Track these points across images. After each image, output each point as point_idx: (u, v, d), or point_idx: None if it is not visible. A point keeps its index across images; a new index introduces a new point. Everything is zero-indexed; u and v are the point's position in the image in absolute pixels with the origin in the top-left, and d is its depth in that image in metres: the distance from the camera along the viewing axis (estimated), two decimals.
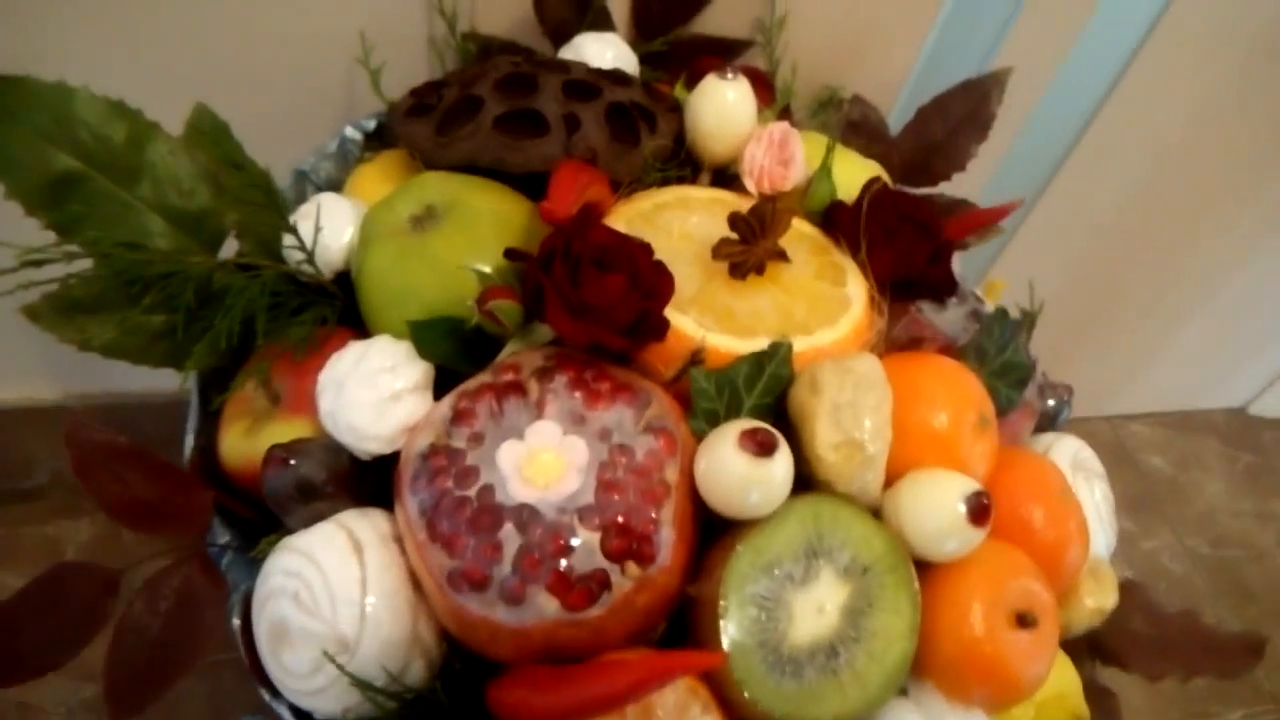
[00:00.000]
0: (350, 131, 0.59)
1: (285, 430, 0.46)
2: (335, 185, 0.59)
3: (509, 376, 0.42)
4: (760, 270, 0.49)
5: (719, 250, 0.47)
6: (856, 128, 0.71)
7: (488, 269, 0.45)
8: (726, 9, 0.65)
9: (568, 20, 0.62)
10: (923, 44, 0.72)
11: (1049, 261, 0.96)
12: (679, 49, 0.65)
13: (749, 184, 0.54)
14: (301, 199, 0.58)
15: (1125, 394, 1.24)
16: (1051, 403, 0.62)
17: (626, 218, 0.50)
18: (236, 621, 0.44)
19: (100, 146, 0.47)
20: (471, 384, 0.42)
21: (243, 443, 0.47)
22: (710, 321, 0.46)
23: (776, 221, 0.48)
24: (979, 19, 0.71)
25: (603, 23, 0.63)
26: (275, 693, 0.42)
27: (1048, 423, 0.62)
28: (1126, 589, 0.53)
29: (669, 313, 0.44)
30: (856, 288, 0.50)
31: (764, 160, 0.53)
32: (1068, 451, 0.56)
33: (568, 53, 0.60)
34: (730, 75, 0.54)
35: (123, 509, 0.44)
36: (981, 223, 0.61)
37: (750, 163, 0.54)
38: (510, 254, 0.43)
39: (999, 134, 0.68)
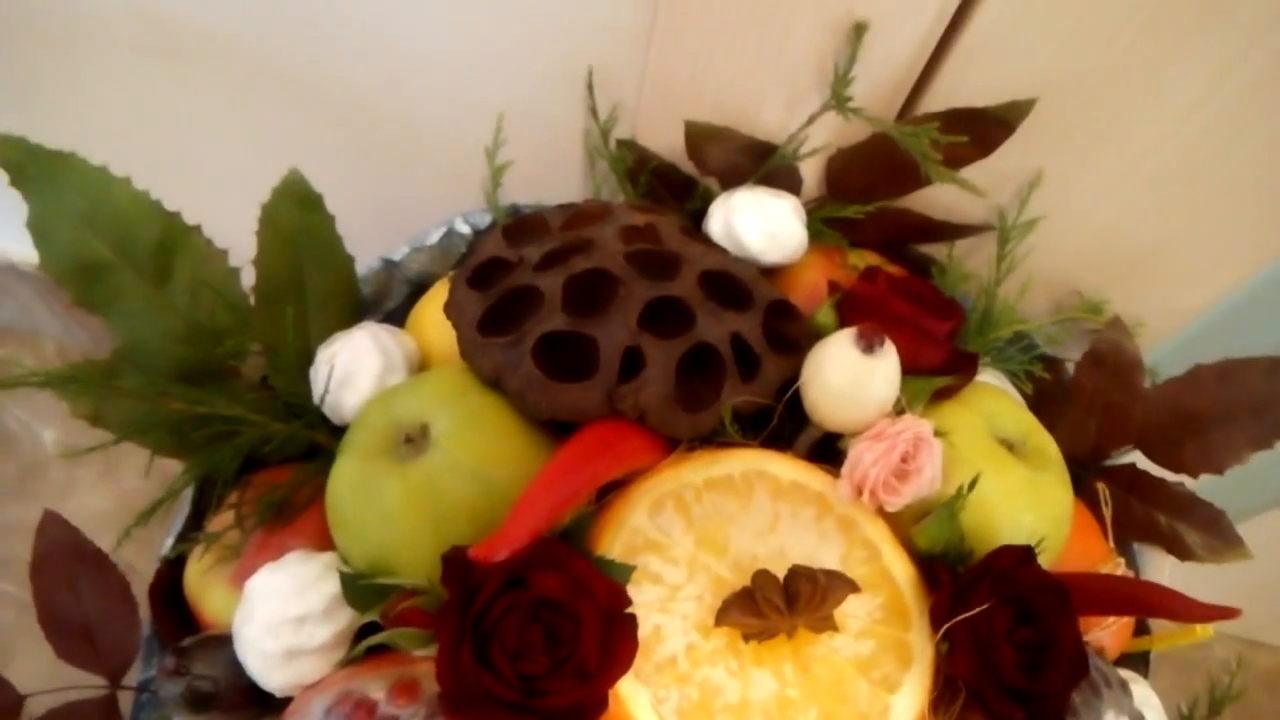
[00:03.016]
0: (460, 224, 0.52)
1: (224, 601, 0.43)
2: (428, 282, 0.52)
3: (394, 708, 0.35)
4: (790, 633, 0.38)
5: (724, 614, 0.37)
6: (1100, 361, 0.54)
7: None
8: (956, 191, 0.49)
9: (739, 165, 0.49)
10: (1237, 285, 0.52)
11: None
12: (882, 219, 0.51)
13: (844, 488, 0.41)
14: (384, 292, 0.52)
15: None
16: None
17: (655, 497, 0.40)
18: None
19: (130, 242, 0.43)
20: (359, 686, 0.36)
21: (196, 581, 0.45)
22: (671, 707, 0.36)
23: (818, 600, 0.37)
24: None
25: (784, 178, 0.49)
26: None
27: None
28: None
29: (624, 680, 0.35)
30: (908, 699, 0.38)
31: (873, 469, 0.40)
32: None
33: (719, 209, 0.48)
34: (876, 347, 0.40)
35: (59, 624, 0.44)
36: (1182, 615, 0.43)
37: (854, 466, 0.41)
38: (448, 559, 0.35)
39: None
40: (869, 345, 0.40)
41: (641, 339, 0.40)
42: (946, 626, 0.38)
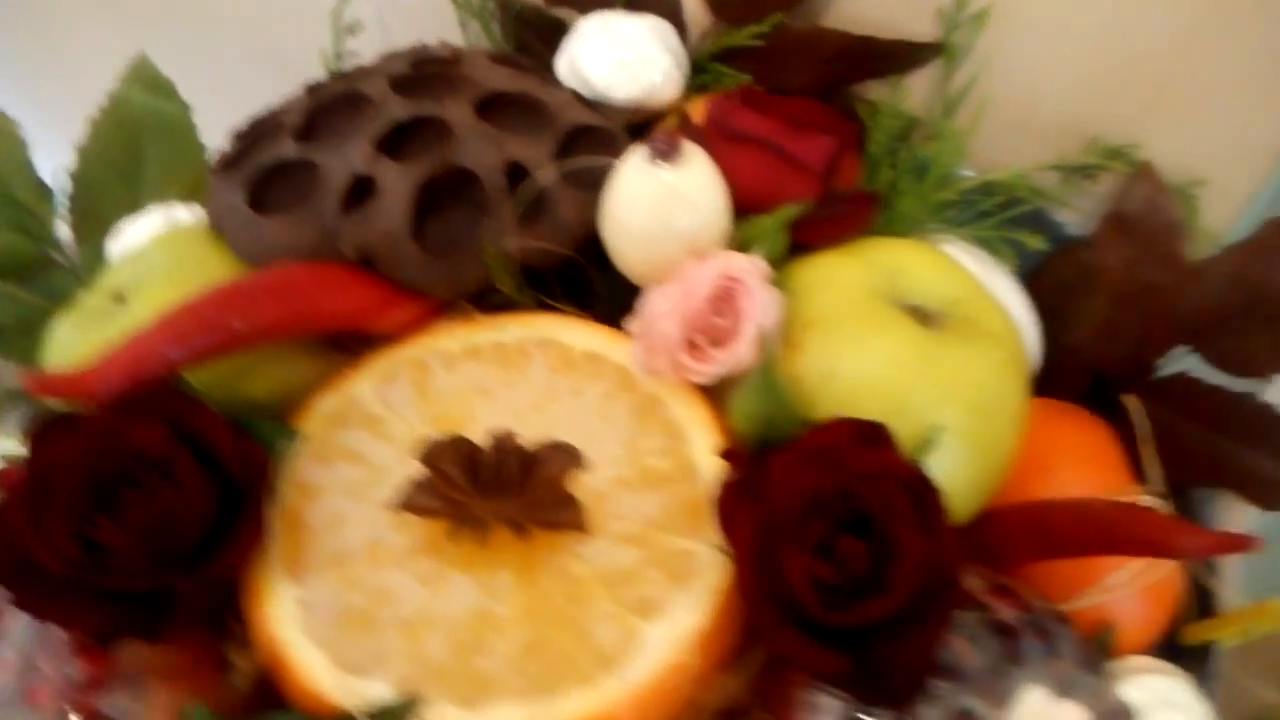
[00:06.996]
0: None
1: None
2: None
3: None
4: (520, 531, 0.28)
5: (406, 497, 0.27)
6: (1125, 227, 0.39)
7: None
8: None
9: None
10: None
11: None
12: (794, 46, 0.39)
13: (637, 354, 0.30)
14: None
15: None
16: None
17: (390, 365, 0.31)
18: None
19: None
20: None
21: None
22: (322, 616, 0.27)
23: (514, 476, 0.26)
24: None
25: (658, 3, 0.39)
26: None
27: None
28: None
29: (266, 575, 0.27)
30: (669, 628, 0.26)
31: (667, 322, 0.29)
32: None
33: (567, 44, 0.39)
34: (669, 156, 0.30)
35: None
36: (1169, 548, 0.28)
37: (647, 323, 0.30)
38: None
39: None
40: (660, 154, 0.30)
41: (378, 165, 0.32)
42: (720, 515, 0.26)
